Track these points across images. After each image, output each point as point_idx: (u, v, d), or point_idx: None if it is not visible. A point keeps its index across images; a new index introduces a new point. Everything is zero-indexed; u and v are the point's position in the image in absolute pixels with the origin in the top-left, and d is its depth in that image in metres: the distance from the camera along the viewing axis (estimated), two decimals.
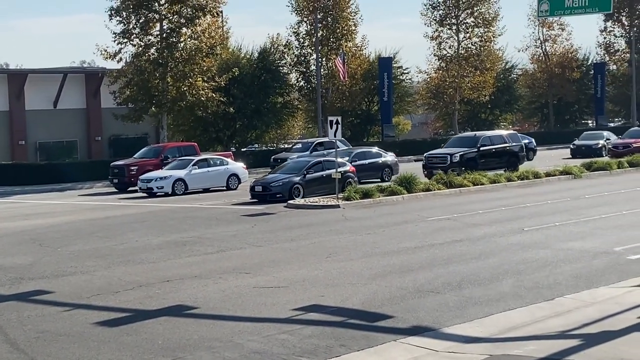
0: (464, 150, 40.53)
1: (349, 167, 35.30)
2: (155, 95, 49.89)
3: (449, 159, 39.79)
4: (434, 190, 32.70)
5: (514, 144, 42.75)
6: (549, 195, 30.78)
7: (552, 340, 11.55)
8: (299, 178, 32.99)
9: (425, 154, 42.32)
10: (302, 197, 32.12)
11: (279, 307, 14.19)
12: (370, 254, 19.25)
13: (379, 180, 38.93)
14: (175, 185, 37.92)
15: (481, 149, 40.82)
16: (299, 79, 66.37)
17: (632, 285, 14.95)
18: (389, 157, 42.00)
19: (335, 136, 31.34)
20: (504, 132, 46.25)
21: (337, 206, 29.55)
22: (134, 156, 44.35)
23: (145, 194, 38.20)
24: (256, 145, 65.73)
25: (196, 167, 39.12)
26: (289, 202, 31.16)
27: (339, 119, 31.78)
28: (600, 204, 27.66)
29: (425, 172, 39.08)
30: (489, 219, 24.68)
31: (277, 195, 32.24)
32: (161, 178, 38.27)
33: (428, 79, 69.90)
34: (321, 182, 33.28)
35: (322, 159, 35.49)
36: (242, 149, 60.11)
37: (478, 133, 45.35)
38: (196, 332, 12.81)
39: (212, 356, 11.60)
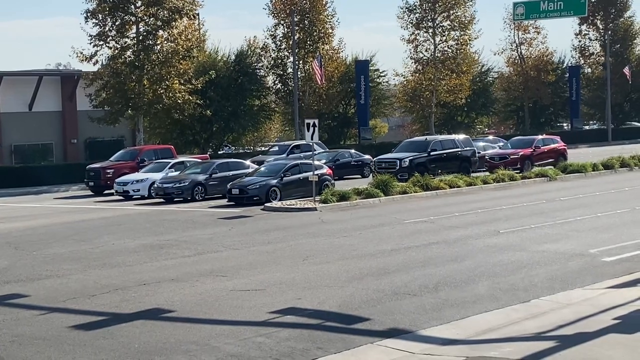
0: (413, 155, 40.00)
1: (326, 170, 35.30)
2: (132, 98, 49.68)
3: (398, 163, 39.18)
4: (411, 192, 32.76)
5: (467, 148, 42.17)
6: (524, 198, 30.94)
7: (527, 342, 11.61)
8: (276, 181, 32.93)
9: (374, 159, 42.02)
10: (279, 200, 32.08)
11: (255, 310, 14.17)
12: (347, 257, 19.27)
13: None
14: (152, 188, 37.79)
15: (431, 153, 40.27)
16: (276, 82, 66.35)
17: (607, 286, 15.06)
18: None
19: (312, 139, 31.34)
20: (458, 137, 45.01)
21: (314, 209, 29.55)
22: (110, 159, 44.16)
23: (121, 197, 38.04)
24: (233, 148, 65.65)
25: (173, 170, 38.99)
26: (266, 204, 31.12)
27: (316, 121, 31.78)
28: (576, 206, 27.83)
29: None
30: (465, 222, 24.77)
31: (254, 198, 32.19)
32: (137, 181, 38.14)
33: (405, 82, 70.04)
34: (298, 184, 33.27)
35: (299, 161, 35.46)
36: (219, 152, 60.03)
37: (429, 137, 44.76)
38: (173, 335, 12.77)
39: (189, 359, 11.58)
